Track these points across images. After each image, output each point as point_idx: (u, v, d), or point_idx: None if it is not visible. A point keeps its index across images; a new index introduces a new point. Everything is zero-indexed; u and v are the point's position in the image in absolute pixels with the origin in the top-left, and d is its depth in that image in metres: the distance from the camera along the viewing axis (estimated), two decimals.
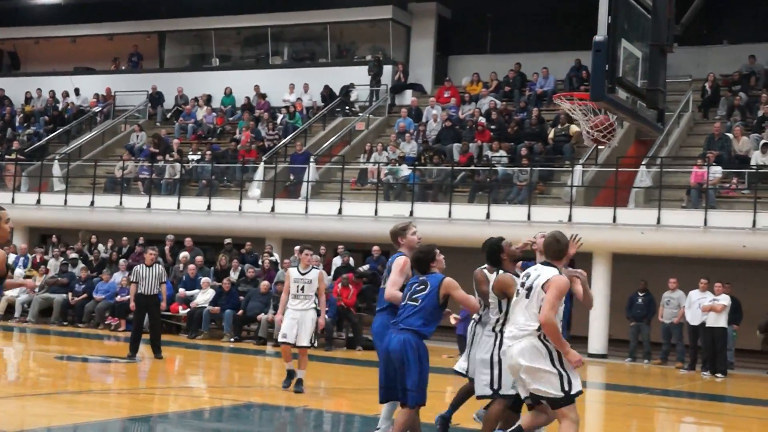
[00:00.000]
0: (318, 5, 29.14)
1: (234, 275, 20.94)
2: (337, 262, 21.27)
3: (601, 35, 8.25)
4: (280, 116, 27.56)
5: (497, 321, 8.14)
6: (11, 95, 32.61)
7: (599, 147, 12.31)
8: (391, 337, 7.87)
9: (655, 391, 15.49)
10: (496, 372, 8.09)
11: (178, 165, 25.35)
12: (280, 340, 12.38)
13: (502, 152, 22.92)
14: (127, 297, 17.52)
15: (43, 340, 19.07)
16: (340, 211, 22.01)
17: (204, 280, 20.66)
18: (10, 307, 21.98)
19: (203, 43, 32.37)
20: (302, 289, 12.25)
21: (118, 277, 21.34)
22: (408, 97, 27.67)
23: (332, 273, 20.66)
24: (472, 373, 8.61)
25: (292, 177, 24.64)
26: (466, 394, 9.05)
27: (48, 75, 32.88)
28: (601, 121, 9.71)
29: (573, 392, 7.03)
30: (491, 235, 8.76)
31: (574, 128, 21.89)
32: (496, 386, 8.10)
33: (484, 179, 22.22)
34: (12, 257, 23.54)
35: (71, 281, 22.00)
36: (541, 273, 7.20)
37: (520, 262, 8.43)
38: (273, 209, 22.78)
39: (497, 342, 8.07)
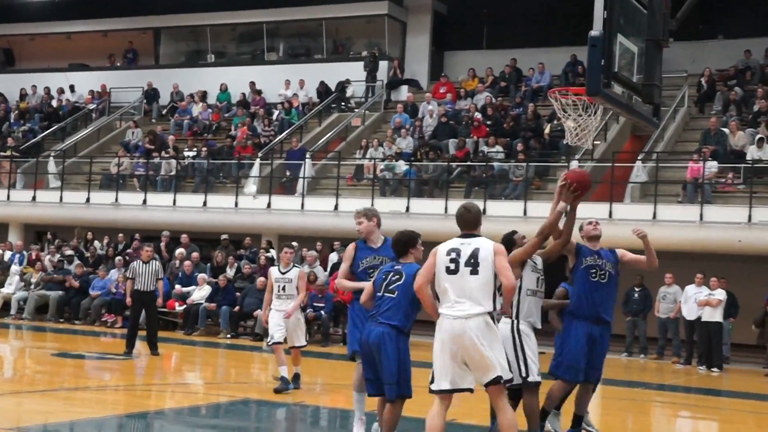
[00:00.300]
0: (313, 1, 29.11)
1: (230, 272, 20.93)
2: (333, 258, 21.26)
3: (596, 30, 8.24)
4: (276, 112, 27.55)
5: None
6: (6, 92, 32.57)
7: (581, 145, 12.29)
8: (370, 329, 7.71)
9: (651, 385, 15.52)
10: (521, 360, 8.19)
11: (173, 161, 25.33)
12: (269, 343, 12.08)
13: (498, 148, 22.93)
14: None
15: (40, 337, 19.06)
16: (336, 207, 22.00)
17: (200, 276, 20.65)
18: (6, 304, 21.96)
19: (198, 39, 32.33)
20: (283, 288, 12.00)
21: (115, 273, 21.32)
22: (404, 93, 27.66)
23: (329, 269, 20.65)
24: None
25: (288, 173, 24.62)
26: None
27: (43, 71, 32.81)
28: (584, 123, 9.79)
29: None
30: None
31: (569, 124, 21.87)
32: (524, 374, 8.18)
33: (480, 175, 22.22)
34: (8, 254, 23.56)
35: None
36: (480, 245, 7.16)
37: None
38: (269, 205, 22.78)
39: (515, 329, 8.22)
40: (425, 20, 29.07)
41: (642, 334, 19.56)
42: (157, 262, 15.80)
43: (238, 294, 19.99)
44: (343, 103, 28.00)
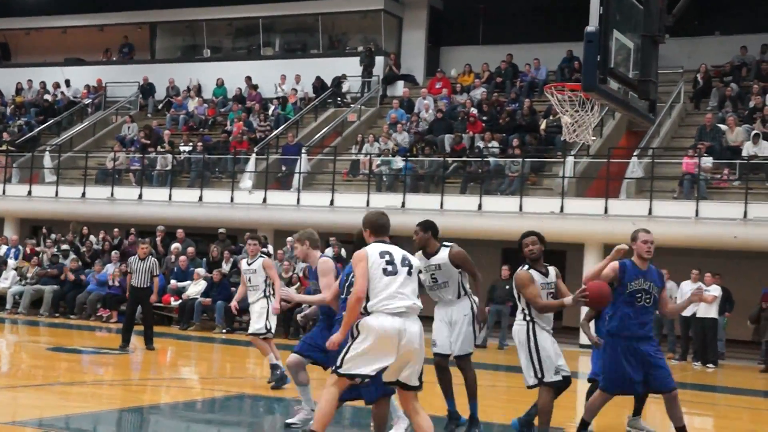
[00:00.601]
0: None
1: (226, 267, 20.92)
2: (328, 252, 21.21)
3: (593, 26, 8.25)
4: (272, 107, 27.53)
5: (521, 310, 8.37)
6: (1, 86, 32.52)
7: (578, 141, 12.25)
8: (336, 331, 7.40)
9: None
10: (536, 361, 8.26)
11: (169, 156, 25.31)
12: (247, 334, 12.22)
13: (494, 143, 22.93)
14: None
15: (35, 332, 19.04)
16: (332, 203, 22.00)
17: (197, 271, 20.65)
18: (1, 299, 21.94)
19: (194, 34, 32.28)
20: (249, 279, 12.16)
21: (111, 268, 21.30)
22: (400, 88, 27.64)
23: None
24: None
25: (283, 168, 24.61)
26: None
27: (39, 66, 32.77)
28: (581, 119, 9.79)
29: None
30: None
31: (566, 119, 21.87)
32: (539, 375, 8.24)
33: (475, 170, 22.22)
34: (3, 249, 23.53)
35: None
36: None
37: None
38: (265, 200, 22.76)
39: (531, 330, 8.27)
40: (421, 15, 29.06)
41: None
42: (154, 259, 15.80)
43: (233, 289, 19.94)
44: (339, 99, 27.99)
